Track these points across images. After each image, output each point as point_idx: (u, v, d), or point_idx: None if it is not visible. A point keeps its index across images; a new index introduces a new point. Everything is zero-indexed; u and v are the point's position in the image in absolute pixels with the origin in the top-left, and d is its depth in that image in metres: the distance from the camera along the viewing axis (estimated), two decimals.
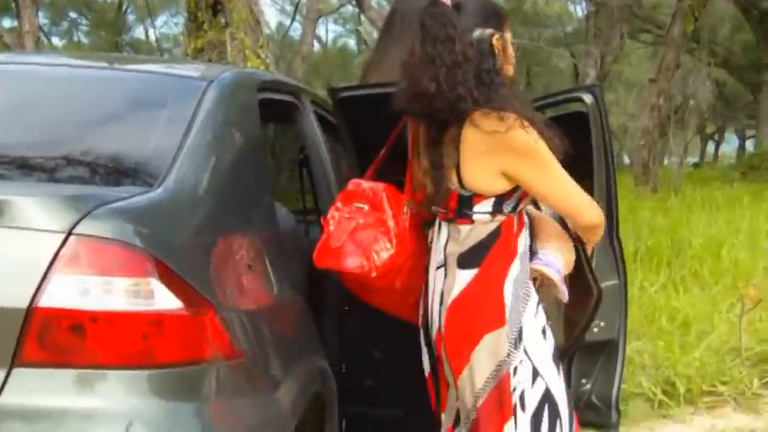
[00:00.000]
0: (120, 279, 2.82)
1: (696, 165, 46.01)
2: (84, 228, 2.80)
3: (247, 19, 12.90)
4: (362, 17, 33.65)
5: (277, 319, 3.58)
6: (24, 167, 3.39)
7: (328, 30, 41.38)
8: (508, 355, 3.64)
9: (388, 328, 4.22)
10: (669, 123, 22.75)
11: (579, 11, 44.95)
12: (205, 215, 3.28)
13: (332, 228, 3.92)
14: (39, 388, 2.76)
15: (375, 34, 38.68)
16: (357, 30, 37.82)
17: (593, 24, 27.89)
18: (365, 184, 3.96)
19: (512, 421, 3.70)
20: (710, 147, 63.11)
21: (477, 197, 3.66)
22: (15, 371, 2.76)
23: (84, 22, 47.88)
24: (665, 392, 7.06)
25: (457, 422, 3.83)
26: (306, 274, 4.32)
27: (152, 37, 50.06)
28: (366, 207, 3.87)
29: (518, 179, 3.64)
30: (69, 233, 2.78)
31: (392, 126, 4.15)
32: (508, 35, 3.79)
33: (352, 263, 3.83)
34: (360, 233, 3.82)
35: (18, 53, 4.81)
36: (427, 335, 3.90)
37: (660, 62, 20.34)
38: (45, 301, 2.76)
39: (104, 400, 2.78)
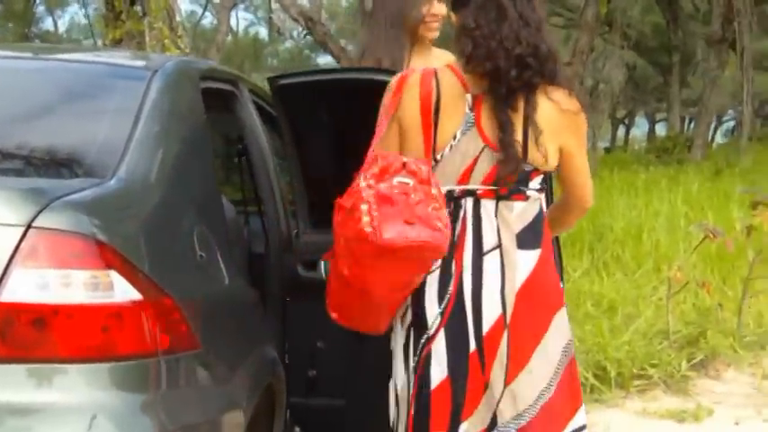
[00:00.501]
0: (79, 272, 2.81)
1: (607, 149, 46.43)
2: (43, 221, 2.78)
3: (165, 8, 12.82)
4: (273, 4, 33.47)
5: (230, 310, 3.60)
6: None
7: (239, 18, 41.18)
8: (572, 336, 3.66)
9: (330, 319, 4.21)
10: (584, 107, 23.00)
11: None
12: (158, 206, 3.28)
13: (395, 203, 3.39)
14: (1, 383, 2.74)
15: (288, 22, 38.60)
16: (270, 17, 37.56)
17: None
18: (403, 158, 3.53)
19: (582, 409, 3.72)
20: (620, 131, 63.78)
21: (534, 172, 3.63)
22: None
23: None
24: (596, 377, 7.13)
25: (492, 426, 3.62)
26: (248, 265, 4.32)
27: (61, 28, 49.50)
28: (411, 182, 3.45)
29: (571, 156, 3.69)
30: (29, 226, 2.76)
31: (333, 112, 4.13)
32: None
33: (425, 234, 3.37)
34: (418, 207, 3.39)
35: None
36: (418, 339, 3.68)
37: (574, 46, 20.49)
38: (6, 296, 2.75)
39: (67, 393, 2.77)
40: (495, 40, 3.55)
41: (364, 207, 3.33)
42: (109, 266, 2.84)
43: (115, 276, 2.85)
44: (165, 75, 3.80)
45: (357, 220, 3.33)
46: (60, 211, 2.83)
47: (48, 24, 49.77)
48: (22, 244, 2.76)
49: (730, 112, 42.45)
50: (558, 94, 3.59)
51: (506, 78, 3.53)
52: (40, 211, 2.79)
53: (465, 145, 3.60)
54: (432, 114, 3.63)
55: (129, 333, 2.86)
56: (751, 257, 8.09)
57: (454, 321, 3.60)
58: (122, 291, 2.85)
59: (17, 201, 2.82)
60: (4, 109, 3.63)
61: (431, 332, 3.61)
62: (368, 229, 3.29)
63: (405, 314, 3.69)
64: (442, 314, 3.61)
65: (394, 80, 3.77)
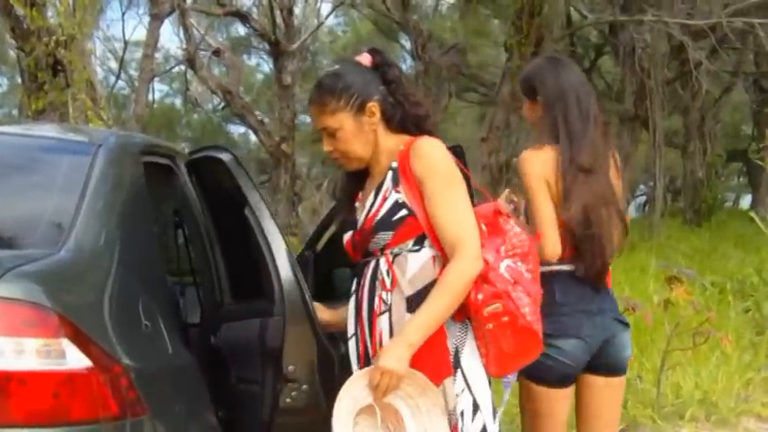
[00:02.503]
0: (32, 340, 2.89)
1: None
2: None
3: (88, 79, 12.85)
4: (189, 76, 33.52)
5: (174, 377, 3.67)
6: None
7: (155, 89, 41.09)
8: None
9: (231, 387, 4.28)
10: (501, 181, 23.26)
11: (404, 68, 45.44)
12: (105, 276, 3.37)
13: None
14: None
15: (205, 94, 38.62)
16: (186, 89, 37.58)
17: (422, 83, 28.31)
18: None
19: None
20: None
21: None
22: None
23: None
24: None
25: None
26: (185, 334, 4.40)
27: None
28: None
29: None
30: None
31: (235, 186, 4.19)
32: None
33: None
34: None
35: None
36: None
37: (491, 121, 20.76)
38: None
39: None
40: None
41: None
42: (61, 334, 2.93)
43: (67, 344, 2.94)
44: (108, 150, 3.92)
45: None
46: (13, 281, 2.92)
47: None
48: None
49: (642, 187, 43.08)
50: None
51: None
52: None
53: None
54: None
55: (81, 399, 2.95)
56: (669, 330, 8.27)
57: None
58: (74, 358, 2.95)
59: None
60: None
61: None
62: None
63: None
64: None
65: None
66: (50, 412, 2.90)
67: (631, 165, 27.91)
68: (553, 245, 4.34)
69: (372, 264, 3.83)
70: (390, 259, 3.76)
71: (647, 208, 41.93)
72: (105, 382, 3.04)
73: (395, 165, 3.82)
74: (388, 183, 3.81)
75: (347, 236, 3.97)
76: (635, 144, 27.72)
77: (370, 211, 3.83)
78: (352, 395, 3.55)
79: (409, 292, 3.71)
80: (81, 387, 2.96)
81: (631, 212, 39.85)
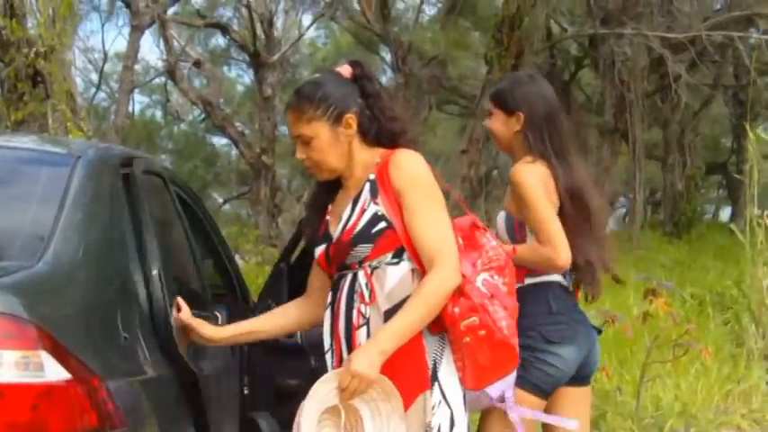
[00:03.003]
0: (10, 352, 2.90)
1: None
2: None
3: (68, 90, 12.83)
4: (170, 87, 33.51)
5: (153, 389, 3.67)
6: None
7: (135, 100, 41.02)
8: None
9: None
10: (481, 193, 23.29)
11: (384, 81, 45.51)
12: (84, 289, 3.38)
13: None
14: None
15: (185, 105, 38.61)
16: (167, 100, 37.57)
17: (402, 95, 28.34)
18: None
19: None
20: None
21: None
22: None
23: None
24: None
25: None
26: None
27: None
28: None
29: None
30: None
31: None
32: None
33: None
34: None
35: None
36: None
37: (470, 133, 20.77)
38: None
39: None
40: None
41: None
42: (39, 347, 2.93)
43: (45, 356, 2.94)
44: (87, 162, 3.91)
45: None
46: None
47: None
48: None
49: (622, 199, 43.21)
50: None
51: None
52: None
53: None
54: None
55: (59, 411, 2.95)
56: (648, 342, 8.29)
57: None
58: (52, 370, 2.95)
59: None
60: None
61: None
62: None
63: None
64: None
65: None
66: (29, 425, 2.90)
67: (611, 177, 28.02)
68: (566, 255, 4.39)
69: (349, 277, 3.80)
70: (369, 272, 3.74)
71: (626, 220, 42.05)
72: (84, 395, 3.04)
73: (372, 177, 3.81)
74: (365, 194, 3.79)
75: (320, 249, 3.92)
76: (615, 156, 27.80)
77: (347, 223, 3.80)
78: (319, 397, 3.55)
79: (387, 306, 3.69)
80: (59, 399, 2.96)
81: (611, 225, 39.97)
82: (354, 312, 3.75)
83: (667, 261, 20.94)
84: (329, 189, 4.02)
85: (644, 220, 30.31)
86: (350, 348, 3.75)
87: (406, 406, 3.64)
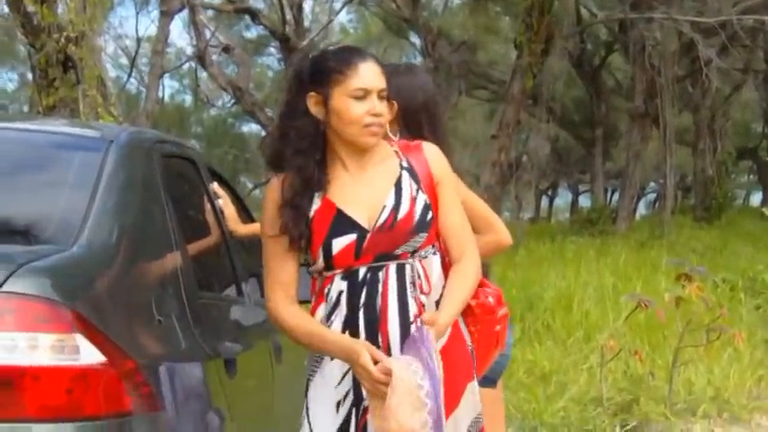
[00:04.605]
0: (45, 335, 2.90)
1: (532, 219, 46.73)
2: (11, 286, 2.89)
3: (98, 76, 12.87)
4: (200, 73, 33.57)
5: (187, 373, 3.68)
6: None
7: (165, 86, 41.18)
8: None
9: None
10: (510, 179, 23.27)
11: None
12: (118, 272, 3.38)
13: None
14: None
15: (215, 91, 38.68)
16: (197, 86, 37.66)
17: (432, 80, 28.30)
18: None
19: None
20: (544, 201, 64.05)
21: None
22: None
23: None
24: None
25: None
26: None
27: None
28: None
29: None
30: None
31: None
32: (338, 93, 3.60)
33: None
34: None
35: None
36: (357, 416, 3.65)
37: (500, 119, 20.73)
38: None
39: None
40: None
41: None
42: (74, 330, 2.94)
43: (80, 339, 2.94)
44: (120, 145, 3.91)
45: None
46: (27, 276, 2.93)
47: None
48: None
49: (652, 184, 43.07)
50: None
51: None
52: (7, 277, 2.89)
53: None
54: None
55: (94, 394, 2.96)
56: (680, 327, 8.27)
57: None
58: (87, 353, 2.95)
59: None
60: None
61: (366, 403, 3.56)
62: None
63: (345, 397, 3.62)
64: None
65: None
66: (64, 407, 2.91)
67: (642, 162, 27.94)
68: (508, 232, 4.47)
69: (393, 267, 3.59)
70: (421, 262, 3.65)
71: (657, 205, 41.96)
72: (119, 378, 3.04)
73: (405, 164, 3.71)
74: (408, 181, 3.66)
75: (345, 240, 3.58)
76: (645, 141, 27.77)
77: (398, 211, 3.61)
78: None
79: (436, 296, 3.64)
80: (94, 382, 2.96)
81: (642, 210, 39.85)
82: (412, 304, 3.59)
83: (698, 246, 20.91)
84: (309, 179, 3.63)
85: (675, 205, 30.22)
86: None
87: (458, 399, 3.62)
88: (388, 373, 3.31)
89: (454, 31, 32.57)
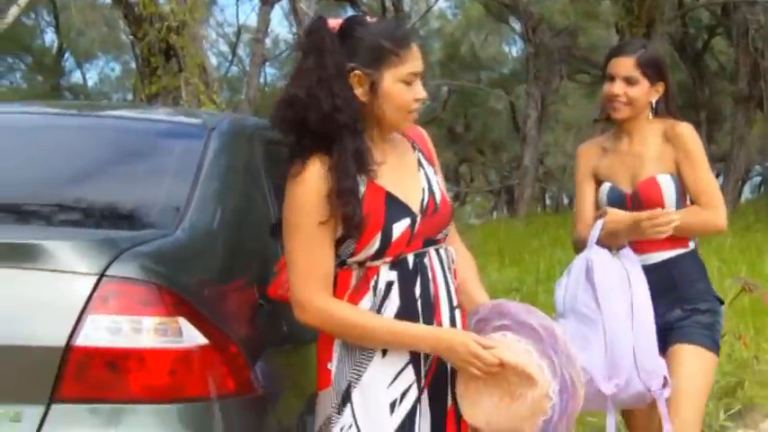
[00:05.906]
0: (149, 318, 2.97)
1: None
2: (115, 270, 2.96)
3: (200, 64, 13.04)
4: None
5: (289, 356, 3.76)
6: (46, 213, 3.52)
7: (266, 73, 41.34)
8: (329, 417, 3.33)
9: None
10: None
11: (514, 52, 45.26)
12: (220, 257, 3.46)
13: None
14: (76, 422, 2.91)
15: None
16: None
17: (533, 66, 28.19)
18: None
19: None
20: None
21: None
22: (54, 406, 2.91)
23: (22, 66, 47.23)
24: None
25: None
26: None
27: (89, 81, 49.62)
28: None
29: None
30: (102, 275, 2.94)
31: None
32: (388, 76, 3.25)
33: None
34: None
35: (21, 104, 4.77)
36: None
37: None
38: (81, 341, 2.91)
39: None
40: None
41: None
42: (177, 313, 3.01)
43: (183, 322, 3.01)
44: (221, 132, 3.99)
45: None
46: (131, 260, 3.00)
47: (76, 77, 49.87)
48: (96, 292, 2.93)
49: (757, 167, 42.39)
50: None
51: None
52: (112, 261, 2.97)
53: None
54: None
55: (196, 376, 3.02)
56: None
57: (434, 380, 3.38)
58: (190, 336, 3.02)
59: (91, 252, 2.99)
60: (73, 164, 3.83)
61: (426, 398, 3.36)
62: None
63: (404, 395, 3.33)
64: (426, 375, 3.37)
65: None
66: (167, 389, 2.97)
67: (746, 146, 27.53)
68: (725, 218, 4.40)
69: (433, 254, 3.41)
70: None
71: (762, 188, 41.33)
72: (221, 360, 3.11)
73: (416, 145, 3.53)
74: (425, 163, 3.51)
75: (403, 225, 3.29)
76: (749, 125, 27.33)
77: (432, 192, 3.43)
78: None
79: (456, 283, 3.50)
80: (197, 364, 3.03)
81: (746, 194, 39.30)
82: (454, 291, 3.45)
83: None
84: (366, 162, 3.28)
85: None
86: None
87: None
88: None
89: (555, 16, 32.35)
